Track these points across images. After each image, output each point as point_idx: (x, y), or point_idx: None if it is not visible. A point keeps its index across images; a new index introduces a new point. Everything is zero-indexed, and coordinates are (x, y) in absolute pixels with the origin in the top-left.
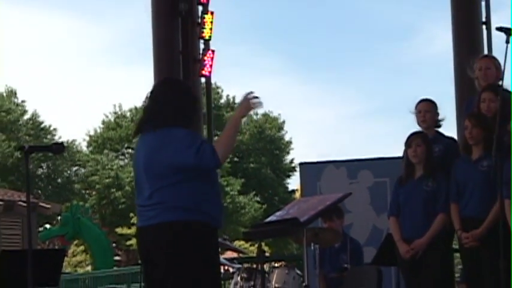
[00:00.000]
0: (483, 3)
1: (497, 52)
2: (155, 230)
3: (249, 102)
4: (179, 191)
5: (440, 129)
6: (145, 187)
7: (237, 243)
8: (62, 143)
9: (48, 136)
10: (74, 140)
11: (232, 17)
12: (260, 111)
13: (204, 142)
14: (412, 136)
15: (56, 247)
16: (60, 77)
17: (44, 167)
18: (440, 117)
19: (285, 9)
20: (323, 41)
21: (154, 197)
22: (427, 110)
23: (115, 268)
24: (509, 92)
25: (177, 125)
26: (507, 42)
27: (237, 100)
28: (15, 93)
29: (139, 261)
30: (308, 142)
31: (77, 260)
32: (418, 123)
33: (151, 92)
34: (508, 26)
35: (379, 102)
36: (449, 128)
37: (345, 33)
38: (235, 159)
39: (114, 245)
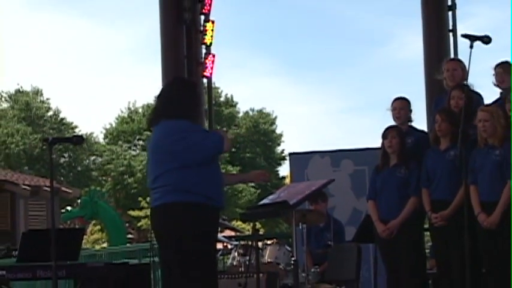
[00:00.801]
0: (450, 14)
1: (462, 56)
2: (159, 211)
3: (263, 177)
4: (179, 175)
5: (413, 124)
6: (151, 172)
7: (235, 223)
8: (81, 136)
9: (69, 130)
10: (92, 133)
11: (231, 25)
12: (255, 108)
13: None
14: (388, 129)
15: (76, 226)
16: (80, 78)
17: (66, 157)
18: (412, 113)
19: (278, 17)
20: (311, 46)
21: (158, 181)
22: (401, 107)
23: (128, 245)
24: (476, 92)
25: (182, 118)
26: (471, 47)
27: (235, 98)
28: (41, 92)
29: (149, 239)
30: (297, 135)
31: (94, 238)
32: (394, 119)
33: (162, 90)
34: (472, 33)
35: (360, 100)
36: (420, 123)
37: (330, 38)
38: (233, 149)
39: (127, 224)
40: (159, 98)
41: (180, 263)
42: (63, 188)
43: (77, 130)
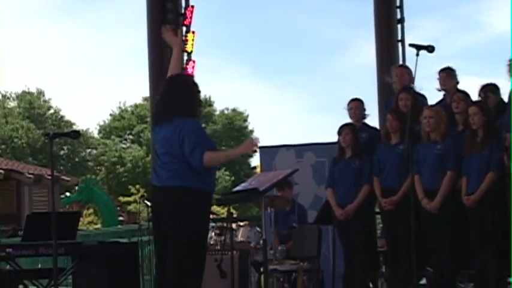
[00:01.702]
0: (399, 26)
1: (409, 63)
2: (163, 192)
3: (252, 147)
4: (182, 164)
5: (366, 121)
6: (158, 158)
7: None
8: (78, 131)
9: (68, 126)
10: (87, 129)
11: (210, 35)
12: (230, 107)
13: (200, 146)
14: (342, 127)
15: (74, 210)
16: (77, 80)
17: (65, 149)
18: (366, 112)
19: (251, 28)
20: (279, 53)
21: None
22: (356, 106)
23: (119, 226)
24: (421, 94)
25: (188, 115)
26: (417, 55)
27: (212, 98)
28: (43, 93)
29: (137, 221)
30: (266, 131)
31: (89, 220)
32: (350, 117)
33: (164, 87)
34: (418, 43)
35: (320, 100)
36: (373, 120)
37: (295, 47)
38: None
39: (118, 208)
40: (170, 93)
41: (176, 240)
42: (63, 177)
43: (74, 126)
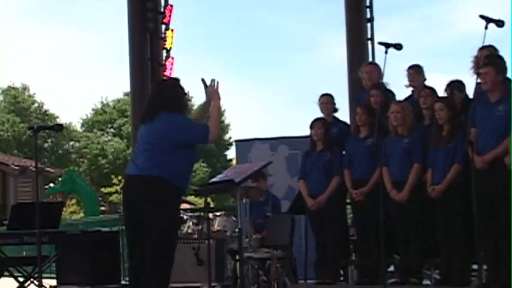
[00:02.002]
0: (369, 25)
1: (379, 60)
2: (133, 180)
3: (215, 90)
4: (161, 156)
5: (337, 115)
6: (140, 151)
7: (190, 198)
8: (61, 124)
9: (52, 119)
10: (70, 122)
11: (189, 33)
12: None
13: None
14: (314, 121)
15: (58, 200)
16: (61, 76)
17: (49, 142)
18: (336, 106)
19: (227, 27)
20: (256, 50)
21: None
22: (327, 101)
23: (100, 216)
24: (390, 90)
25: (171, 111)
26: (386, 52)
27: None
28: (28, 88)
29: (118, 211)
30: (242, 125)
31: (72, 210)
32: (321, 111)
33: (153, 89)
34: (387, 41)
35: (294, 95)
36: (343, 115)
37: (271, 44)
38: None
39: (100, 199)
40: (159, 93)
41: (148, 228)
42: (47, 168)
43: (58, 120)
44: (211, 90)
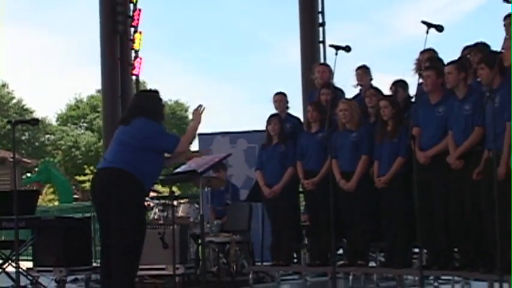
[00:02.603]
0: (321, 29)
1: (330, 61)
2: (103, 172)
3: (200, 114)
4: (132, 154)
5: (290, 112)
6: (112, 147)
7: (156, 186)
8: (37, 119)
9: (29, 114)
10: (46, 117)
11: (156, 34)
12: (173, 99)
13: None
14: (271, 117)
15: (34, 188)
16: (38, 74)
17: (26, 135)
18: (288, 104)
19: (191, 29)
20: (217, 51)
21: (113, 153)
22: (280, 99)
23: (74, 203)
24: (339, 88)
25: (149, 118)
26: (336, 54)
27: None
28: (7, 85)
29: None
30: (204, 120)
31: (47, 198)
32: (276, 108)
33: (135, 99)
34: (337, 44)
35: (252, 93)
36: (297, 112)
37: (232, 45)
38: None
39: (73, 187)
40: (141, 101)
41: (113, 217)
42: (24, 159)
43: (34, 114)
44: (195, 113)
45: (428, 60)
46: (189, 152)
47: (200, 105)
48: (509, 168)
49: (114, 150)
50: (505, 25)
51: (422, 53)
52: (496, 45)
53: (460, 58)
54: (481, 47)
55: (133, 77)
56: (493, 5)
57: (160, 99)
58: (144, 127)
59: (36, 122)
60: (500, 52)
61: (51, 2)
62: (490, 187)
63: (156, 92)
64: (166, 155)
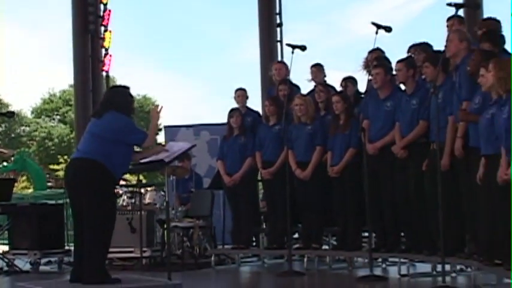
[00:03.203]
0: (278, 29)
1: (286, 59)
2: (75, 162)
3: (157, 113)
4: (103, 145)
5: (250, 106)
6: (86, 140)
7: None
8: (13, 112)
9: (5, 107)
10: (22, 110)
11: (125, 33)
12: (141, 93)
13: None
14: (232, 111)
15: (10, 177)
16: (14, 70)
17: (2, 127)
18: (249, 99)
19: (159, 27)
20: (183, 49)
21: (85, 144)
22: (241, 95)
23: (48, 190)
24: (295, 84)
25: (119, 112)
26: (292, 53)
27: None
28: None
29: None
30: (171, 114)
31: (23, 186)
32: (237, 103)
33: (106, 94)
34: (293, 43)
35: (215, 88)
36: (256, 106)
37: (197, 43)
38: None
39: (47, 176)
40: (112, 96)
41: (89, 202)
42: (1, 150)
43: (10, 107)
44: (153, 113)
45: (376, 59)
46: (155, 146)
47: (157, 106)
48: (450, 159)
49: (86, 141)
50: (448, 26)
51: (370, 52)
52: (440, 45)
53: (408, 57)
54: (424, 47)
55: (104, 73)
56: (437, 8)
57: (131, 95)
58: (115, 121)
59: (12, 114)
60: (443, 51)
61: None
62: (433, 176)
63: (126, 87)
64: (136, 148)
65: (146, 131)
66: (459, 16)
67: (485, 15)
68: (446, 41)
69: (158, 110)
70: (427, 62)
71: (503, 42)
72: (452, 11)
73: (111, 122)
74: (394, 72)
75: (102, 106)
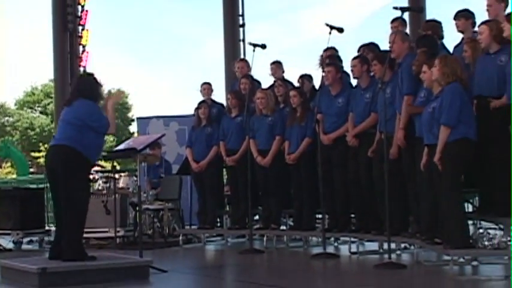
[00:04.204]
0: (241, 29)
1: (248, 56)
2: (53, 148)
3: (119, 97)
4: (77, 132)
5: (215, 99)
6: (60, 128)
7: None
8: None
9: None
10: (6, 102)
11: (102, 31)
12: (116, 87)
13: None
14: (200, 103)
15: None
16: None
17: None
18: (214, 92)
19: (135, 27)
20: (155, 46)
21: (61, 132)
22: (207, 88)
23: (30, 175)
24: (256, 80)
25: (87, 98)
26: (253, 51)
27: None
28: None
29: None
30: (143, 106)
31: (7, 171)
32: (203, 96)
33: (75, 83)
34: (255, 42)
35: (184, 82)
36: (220, 98)
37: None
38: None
39: (29, 162)
40: (79, 84)
41: (65, 185)
42: None
43: None
44: (116, 95)
45: (329, 58)
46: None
47: (121, 91)
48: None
49: (61, 129)
50: (392, 27)
51: (325, 50)
52: (387, 45)
53: (361, 54)
54: (372, 47)
55: (81, 68)
56: (385, 11)
57: (97, 82)
58: (82, 107)
59: None
60: (390, 50)
61: None
62: (381, 163)
63: (91, 74)
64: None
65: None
66: (402, 19)
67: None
68: (390, 42)
69: (120, 95)
70: (375, 60)
71: (437, 44)
72: (398, 13)
73: (79, 109)
74: (346, 70)
75: (72, 95)
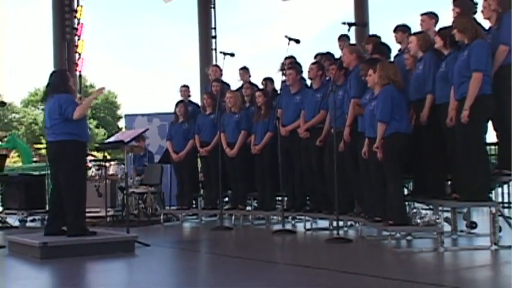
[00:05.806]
0: (213, 40)
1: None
2: (52, 145)
3: (100, 92)
4: (63, 124)
5: (192, 99)
6: (48, 122)
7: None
8: (5, 102)
9: None
10: (13, 101)
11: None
12: (108, 88)
13: (72, 106)
14: (178, 103)
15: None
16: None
17: None
18: (190, 93)
19: (124, 36)
20: (141, 53)
21: (52, 127)
22: (185, 90)
23: (33, 164)
24: (226, 83)
25: (64, 92)
26: (224, 58)
27: (96, 84)
28: None
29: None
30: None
31: (14, 160)
32: (181, 96)
33: (49, 79)
34: (225, 51)
35: (165, 84)
36: (195, 98)
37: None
38: (94, 111)
39: (33, 153)
40: (52, 80)
41: (65, 175)
42: None
43: (3, 98)
44: (97, 91)
45: (290, 63)
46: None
47: (102, 88)
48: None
49: (50, 126)
50: (340, 45)
51: (286, 58)
52: (338, 55)
53: (319, 61)
54: (329, 56)
55: (78, 73)
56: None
57: (66, 75)
58: (53, 102)
59: (4, 104)
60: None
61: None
62: (330, 154)
63: (62, 69)
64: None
65: (78, 103)
66: (346, 36)
67: (371, 32)
68: (342, 54)
69: (102, 91)
70: (333, 66)
71: (389, 50)
72: (346, 28)
73: (54, 104)
74: (303, 73)
75: (45, 92)
